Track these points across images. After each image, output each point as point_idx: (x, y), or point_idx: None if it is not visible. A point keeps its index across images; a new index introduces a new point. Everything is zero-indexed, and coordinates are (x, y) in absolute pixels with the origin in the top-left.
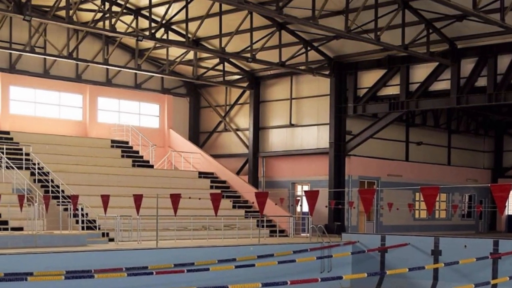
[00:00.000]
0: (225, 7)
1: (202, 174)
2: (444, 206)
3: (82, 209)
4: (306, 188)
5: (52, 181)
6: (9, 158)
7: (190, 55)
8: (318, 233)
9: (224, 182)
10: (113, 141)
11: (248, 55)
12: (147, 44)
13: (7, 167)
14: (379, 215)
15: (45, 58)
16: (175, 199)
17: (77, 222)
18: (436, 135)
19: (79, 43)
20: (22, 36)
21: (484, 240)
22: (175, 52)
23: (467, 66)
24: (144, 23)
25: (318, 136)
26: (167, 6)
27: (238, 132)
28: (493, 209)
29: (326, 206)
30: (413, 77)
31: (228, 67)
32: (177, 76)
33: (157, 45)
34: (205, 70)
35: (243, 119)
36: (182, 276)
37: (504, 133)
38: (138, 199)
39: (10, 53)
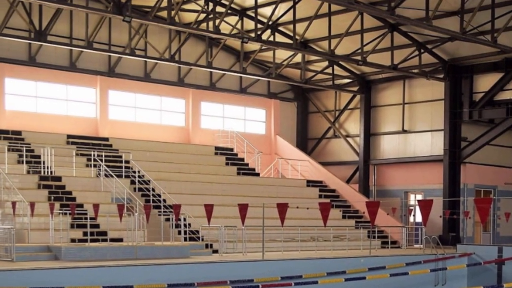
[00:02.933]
0: (334, 7)
1: (311, 183)
2: None
3: (184, 219)
4: (419, 197)
5: (153, 189)
6: (108, 166)
7: (298, 58)
8: (432, 244)
9: (334, 191)
10: (217, 148)
11: (359, 57)
12: (253, 46)
13: (106, 175)
14: (496, 226)
15: (145, 61)
16: (282, 208)
17: (179, 233)
18: None
19: (181, 45)
20: (122, 38)
21: None
22: (282, 54)
23: None
24: (249, 24)
25: (432, 143)
26: (273, 6)
27: (348, 139)
28: None
29: (440, 216)
30: None
31: (338, 70)
32: (284, 80)
33: (263, 47)
34: (313, 73)
35: (353, 124)
36: None
37: None
38: (243, 208)
39: (109, 56)
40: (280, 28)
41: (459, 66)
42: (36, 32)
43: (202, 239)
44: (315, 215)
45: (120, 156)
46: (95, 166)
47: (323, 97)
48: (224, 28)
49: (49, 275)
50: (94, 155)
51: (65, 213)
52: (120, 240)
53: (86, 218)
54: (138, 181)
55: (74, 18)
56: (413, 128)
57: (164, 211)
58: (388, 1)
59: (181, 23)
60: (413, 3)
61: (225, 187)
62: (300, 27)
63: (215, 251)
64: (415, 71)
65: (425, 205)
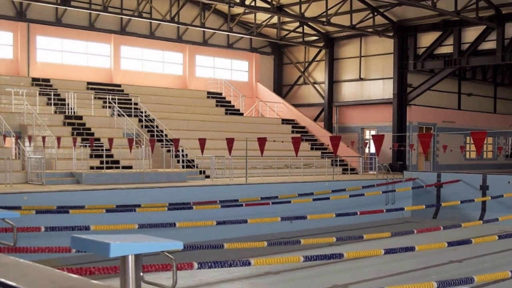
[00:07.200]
0: None
1: (285, 121)
2: (491, 148)
3: (182, 151)
4: (373, 132)
5: (157, 126)
6: (120, 107)
7: (275, 20)
8: (383, 171)
9: (304, 127)
10: (208, 93)
11: (324, 19)
12: (238, 10)
13: (118, 115)
14: (435, 156)
15: (150, 22)
16: (262, 142)
17: (178, 161)
18: (484, 88)
19: (180, 9)
20: (131, 3)
21: None
22: (261, 16)
23: (511, 28)
24: None
25: (383, 89)
26: None
27: (315, 85)
28: None
29: (390, 148)
30: (464, 38)
31: (307, 30)
32: (263, 37)
33: (246, 10)
34: (287, 32)
35: (319, 74)
36: (267, 208)
37: None
38: (230, 142)
39: (121, 18)
40: None
41: (405, 26)
42: None
43: (197, 167)
44: (289, 147)
45: (130, 100)
46: (109, 107)
47: (295, 51)
48: None
49: (73, 196)
50: (109, 99)
51: (85, 146)
52: (130, 167)
53: (102, 150)
54: (145, 119)
55: None
56: (368, 77)
57: (166, 144)
58: None
59: None
60: None
61: (215, 125)
62: None
63: (207, 177)
64: (370, 30)
65: (378, 139)
